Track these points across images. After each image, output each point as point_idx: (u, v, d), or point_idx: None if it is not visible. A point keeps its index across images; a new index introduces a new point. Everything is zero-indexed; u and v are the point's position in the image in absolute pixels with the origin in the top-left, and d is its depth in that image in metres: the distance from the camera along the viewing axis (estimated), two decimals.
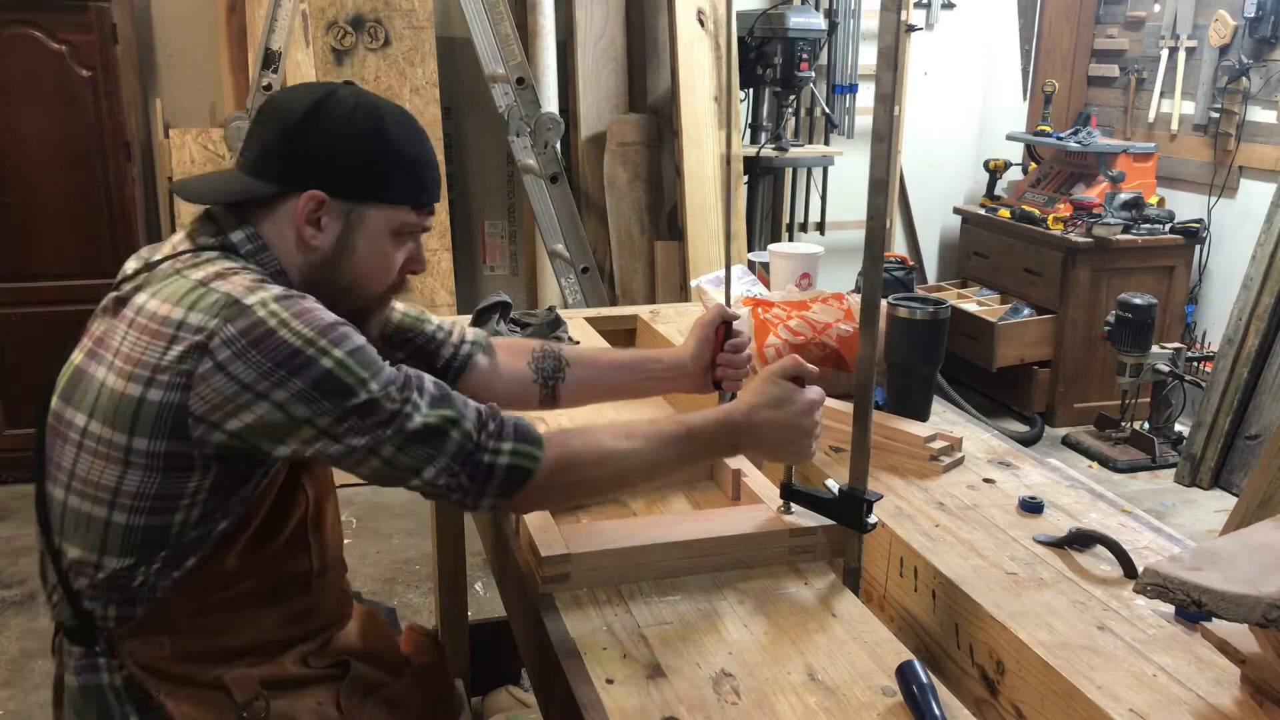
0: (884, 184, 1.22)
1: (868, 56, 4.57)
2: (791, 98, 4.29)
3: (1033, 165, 4.99)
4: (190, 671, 1.20)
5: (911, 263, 4.71)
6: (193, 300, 1.11)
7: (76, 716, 1.22)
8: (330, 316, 1.13)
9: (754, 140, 4.29)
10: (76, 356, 1.20)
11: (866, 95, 4.59)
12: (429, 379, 1.18)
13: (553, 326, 2.19)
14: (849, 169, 4.52)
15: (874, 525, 1.32)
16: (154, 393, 1.10)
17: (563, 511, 1.45)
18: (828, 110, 4.54)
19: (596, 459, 1.23)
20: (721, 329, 1.56)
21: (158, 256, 1.22)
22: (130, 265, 1.27)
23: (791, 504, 1.39)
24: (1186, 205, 4.49)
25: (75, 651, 1.22)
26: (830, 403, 1.78)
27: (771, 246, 2.48)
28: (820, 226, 4.65)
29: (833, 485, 1.34)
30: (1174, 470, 3.98)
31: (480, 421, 1.17)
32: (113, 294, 1.21)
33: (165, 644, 1.19)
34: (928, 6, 4.85)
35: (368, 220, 1.22)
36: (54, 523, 1.21)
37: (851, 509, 1.31)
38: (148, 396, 1.10)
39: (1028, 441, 4.14)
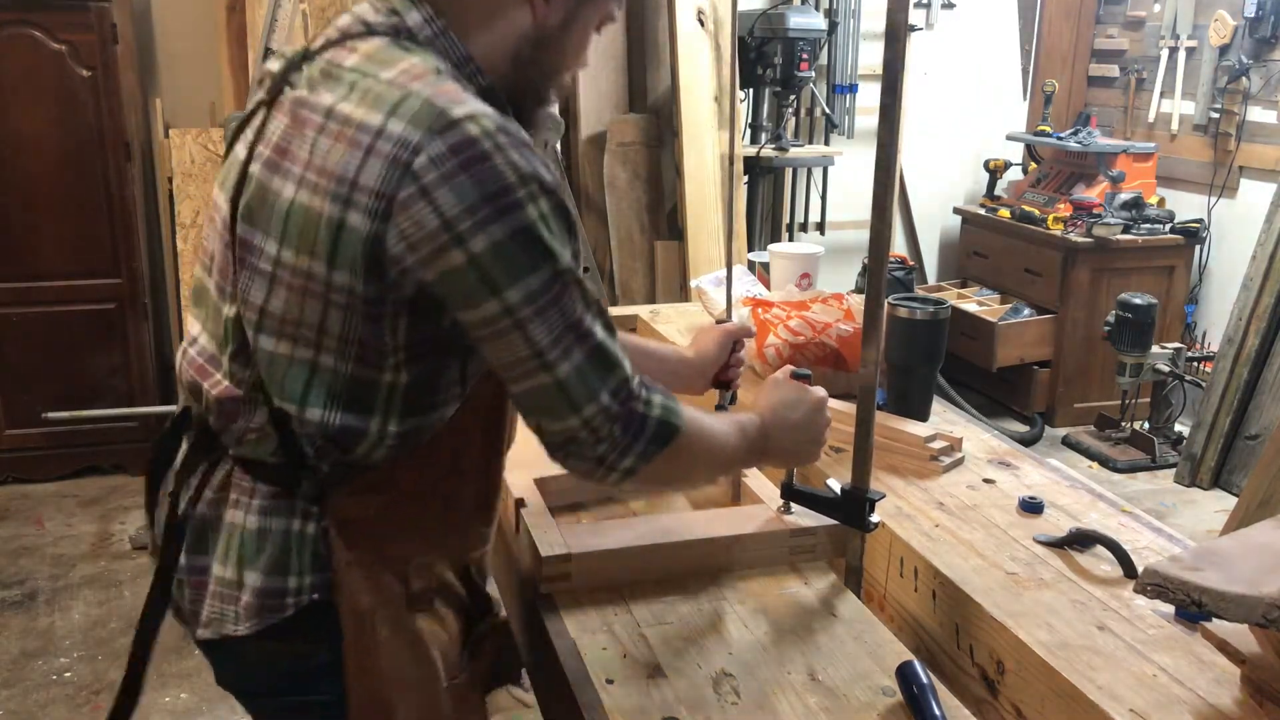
0: (889, 183, 1.22)
1: (868, 56, 4.57)
2: (791, 98, 4.29)
3: (1033, 165, 4.99)
4: (384, 540, 1.08)
5: (911, 263, 4.71)
6: (392, 104, 0.96)
7: (237, 562, 1.07)
8: (542, 162, 0.99)
9: (754, 140, 4.28)
10: (254, 168, 1.04)
11: (866, 95, 4.59)
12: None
13: None
14: (849, 169, 4.51)
15: (876, 524, 1.32)
16: (354, 216, 0.96)
17: (563, 511, 1.45)
18: (828, 110, 4.54)
19: (708, 432, 1.16)
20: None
21: (315, 45, 1.08)
22: (274, 65, 1.11)
23: (791, 504, 1.39)
24: (1186, 205, 4.49)
25: (263, 490, 1.07)
26: (831, 403, 1.78)
27: (771, 246, 2.48)
28: (820, 226, 4.64)
29: (834, 485, 1.34)
30: (1174, 470, 3.98)
31: (632, 370, 1.06)
32: (266, 96, 1.08)
33: (373, 504, 1.08)
34: (928, 6, 4.85)
35: (589, 6, 1.13)
36: (259, 364, 1.05)
37: (854, 508, 1.31)
38: (348, 220, 0.96)
39: (1028, 441, 4.14)
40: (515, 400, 1.05)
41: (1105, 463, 4.06)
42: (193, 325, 1.15)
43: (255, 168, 1.04)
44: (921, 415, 1.79)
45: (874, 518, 1.31)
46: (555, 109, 4.17)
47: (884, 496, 1.36)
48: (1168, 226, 4.36)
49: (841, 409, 1.73)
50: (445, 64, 1.04)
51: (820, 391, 1.32)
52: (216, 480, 1.10)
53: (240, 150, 1.08)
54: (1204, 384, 4.01)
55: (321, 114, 1.00)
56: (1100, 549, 1.36)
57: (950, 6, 4.88)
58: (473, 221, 0.94)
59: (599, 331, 1.02)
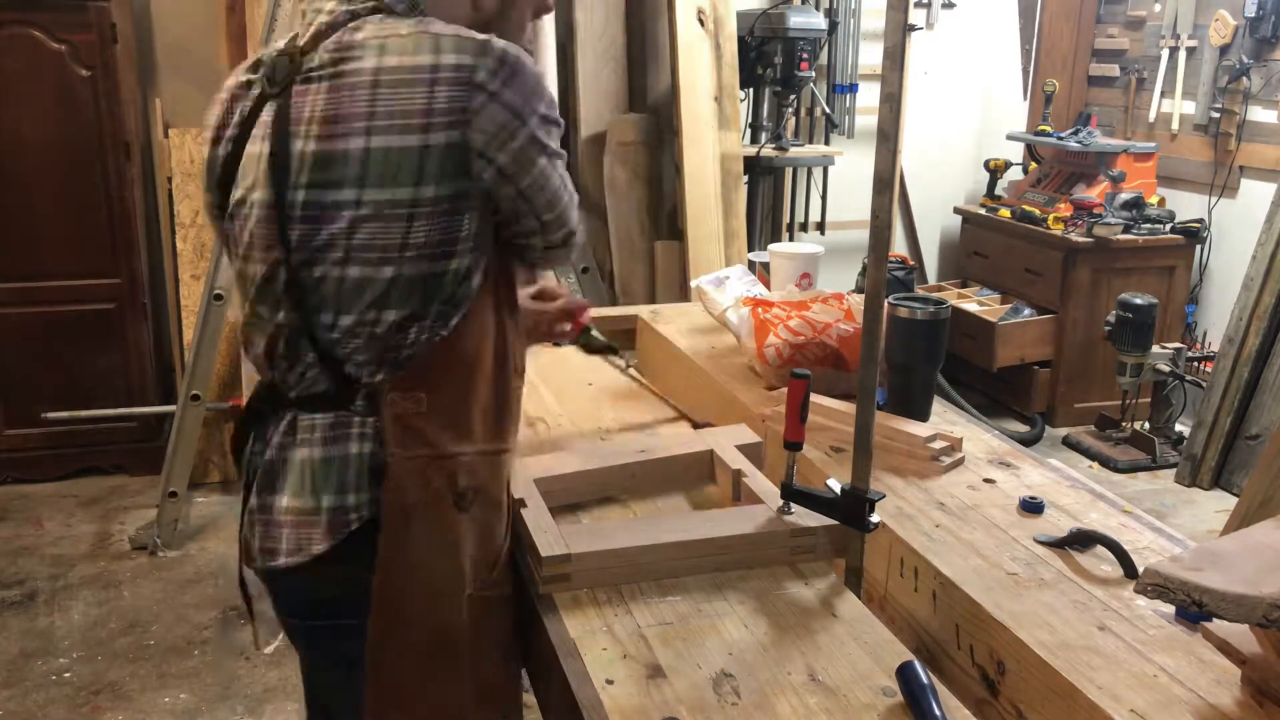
0: (889, 183, 1.22)
1: (868, 56, 4.57)
2: (791, 97, 4.29)
3: (1033, 165, 4.99)
4: (434, 437, 1.23)
5: (912, 262, 4.71)
6: (434, 46, 1.18)
7: (312, 490, 1.23)
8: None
9: (754, 140, 4.28)
10: (298, 147, 1.19)
11: (866, 95, 4.59)
12: None
13: None
14: (849, 169, 4.51)
15: (876, 524, 1.32)
16: (435, 137, 1.16)
17: (562, 511, 1.45)
18: (828, 110, 4.54)
19: None
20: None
21: (303, 43, 1.24)
22: (249, 75, 1.28)
23: (791, 504, 1.39)
24: (1187, 205, 4.49)
25: (321, 424, 1.24)
26: (830, 403, 1.78)
27: (771, 246, 2.48)
28: (820, 226, 4.64)
29: (834, 485, 1.34)
30: (1174, 470, 3.98)
31: None
32: (267, 89, 1.24)
33: (423, 400, 1.23)
34: (928, 6, 4.85)
35: None
36: (325, 299, 1.21)
37: (854, 508, 1.31)
38: (430, 143, 1.16)
39: (1028, 442, 4.14)
40: (552, 217, 1.29)
41: (1106, 463, 4.06)
42: (244, 310, 1.30)
43: (300, 146, 1.18)
44: (921, 415, 1.78)
45: (874, 518, 1.31)
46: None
47: (884, 496, 1.36)
48: (1168, 226, 4.36)
49: (841, 409, 1.73)
50: None
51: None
52: (282, 428, 1.26)
53: (257, 146, 1.22)
54: (1204, 384, 4.01)
55: (369, 77, 1.17)
56: (1101, 549, 1.36)
57: (950, 6, 4.88)
58: (528, 108, 1.20)
59: None
